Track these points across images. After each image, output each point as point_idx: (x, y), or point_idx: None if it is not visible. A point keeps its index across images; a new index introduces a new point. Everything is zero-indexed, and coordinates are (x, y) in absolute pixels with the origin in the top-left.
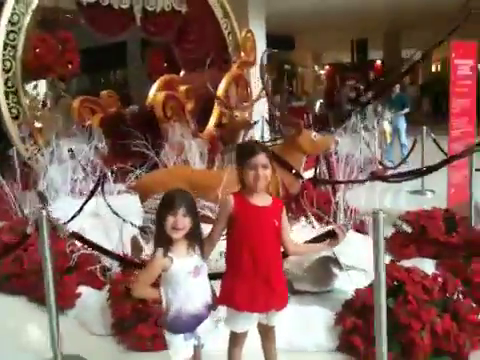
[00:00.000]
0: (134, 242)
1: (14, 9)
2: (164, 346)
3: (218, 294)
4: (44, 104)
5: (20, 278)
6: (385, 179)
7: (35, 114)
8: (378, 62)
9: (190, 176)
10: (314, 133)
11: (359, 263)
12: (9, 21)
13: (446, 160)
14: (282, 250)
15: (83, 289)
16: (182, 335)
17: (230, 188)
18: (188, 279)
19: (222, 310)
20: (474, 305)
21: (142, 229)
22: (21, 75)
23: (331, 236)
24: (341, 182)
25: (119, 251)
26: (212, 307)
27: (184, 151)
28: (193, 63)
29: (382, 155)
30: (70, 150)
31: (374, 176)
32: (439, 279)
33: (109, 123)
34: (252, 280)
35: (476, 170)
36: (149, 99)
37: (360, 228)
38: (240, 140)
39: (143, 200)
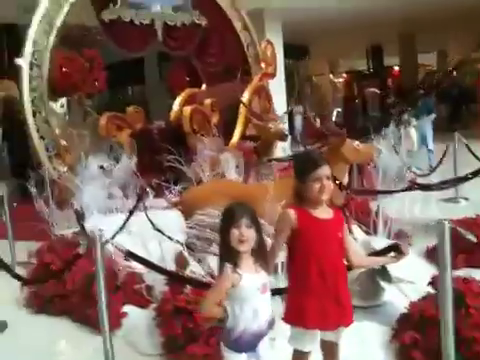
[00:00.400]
0: (179, 258)
1: (38, 28)
2: None
3: (283, 312)
4: (71, 122)
5: (63, 299)
6: (427, 188)
7: (62, 132)
8: (396, 68)
9: (232, 190)
10: (357, 142)
11: (406, 275)
12: (34, 41)
13: None
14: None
15: (128, 308)
16: (245, 354)
17: (278, 201)
18: (256, 296)
19: (279, 327)
20: None
21: (188, 246)
22: (48, 94)
23: (394, 250)
24: (384, 192)
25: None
26: (272, 325)
27: (220, 164)
28: (214, 76)
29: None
30: (101, 167)
31: (415, 185)
32: None
33: (137, 139)
34: (322, 296)
35: None
36: (173, 113)
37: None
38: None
39: (187, 216)
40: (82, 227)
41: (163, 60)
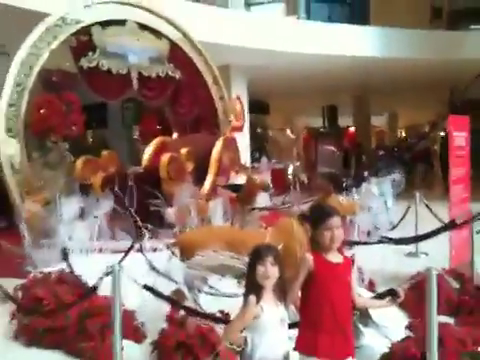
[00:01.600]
0: (178, 294)
1: (19, 71)
2: None
3: (295, 342)
4: (46, 163)
5: (55, 333)
6: (398, 242)
7: (37, 173)
8: (351, 129)
9: (229, 235)
10: (341, 197)
11: (381, 321)
12: (14, 82)
13: (453, 225)
14: None
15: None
16: None
17: None
18: (276, 328)
19: None
20: None
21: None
22: (24, 136)
23: (391, 295)
24: (359, 243)
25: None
26: (287, 358)
27: (207, 210)
28: (185, 126)
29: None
30: (95, 217)
31: (387, 239)
32: (469, 331)
33: (112, 183)
34: (333, 331)
35: (477, 232)
36: (146, 159)
37: (369, 288)
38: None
39: (185, 256)
40: (69, 265)
41: (126, 107)
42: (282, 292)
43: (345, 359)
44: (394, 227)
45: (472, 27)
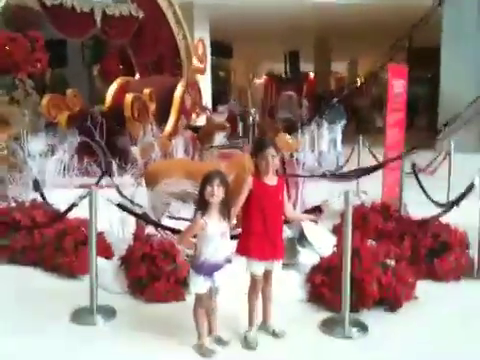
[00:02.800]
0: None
1: None
2: None
3: (236, 247)
4: (12, 99)
5: (33, 251)
6: (337, 176)
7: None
8: (311, 75)
9: (188, 166)
10: (288, 136)
11: (318, 243)
12: None
13: (385, 162)
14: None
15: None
16: (202, 276)
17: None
18: (217, 239)
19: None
20: None
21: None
22: None
23: (316, 211)
24: (304, 176)
25: None
26: (229, 261)
27: (170, 147)
28: (147, 66)
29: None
30: (65, 151)
31: (331, 173)
32: (383, 247)
33: (77, 121)
34: (262, 238)
35: (406, 173)
36: (109, 99)
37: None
38: (214, 141)
39: (151, 184)
40: (42, 195)
41: (86, 45)
42: (226, 209)
43: (272, 260)
44: (341, 167)
45: None
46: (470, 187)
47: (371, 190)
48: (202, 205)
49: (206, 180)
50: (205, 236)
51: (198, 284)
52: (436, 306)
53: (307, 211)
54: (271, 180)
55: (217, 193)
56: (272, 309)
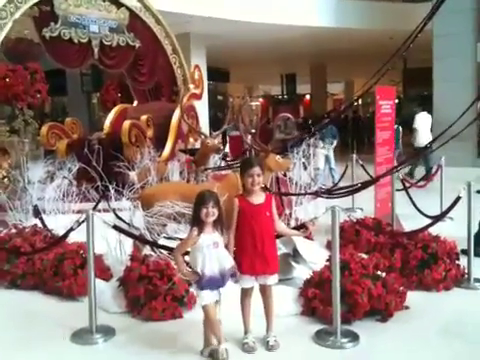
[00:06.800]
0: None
1: None
2: None
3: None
4: (12, 130)
5: (33, 276)
6: (330, 193)
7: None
8: (307, 97)
9: (183, 189)
10: (278, 156)
11: (312, 259)
12: None
13: (376, 179)
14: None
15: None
16: (206, 290)
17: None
18: (210, 248)
19: None
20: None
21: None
22: None
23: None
24: (296, 194)
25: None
26: (233, 274)
27: (166, 171)
28: (145, 94)
29: (314, 179)
30: (64, 177)
31: (322, 191)
32: (373, 259)
33: (76, 148)
34: (252, 255)
35: (397, 190)
36: (106, 126)
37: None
38: (209, 163)
39: (147, 207)
40: (42, 221)
41: (85, 74)
42: (220, 225)
43: (264, 274)
44: (336, 184)
45: None
46: (456, 200)
47: (366, 206)
48: (197, 223)
49: (201, 202)
50: (198, 246)
51: (202, 297)
52: (427, 316)
53: (295, 228)
54: (257, 198)
55: (212, 213)
56: (273, 321)
